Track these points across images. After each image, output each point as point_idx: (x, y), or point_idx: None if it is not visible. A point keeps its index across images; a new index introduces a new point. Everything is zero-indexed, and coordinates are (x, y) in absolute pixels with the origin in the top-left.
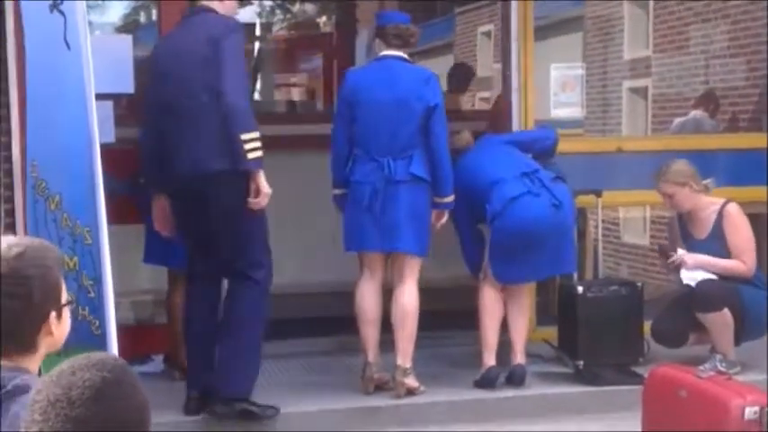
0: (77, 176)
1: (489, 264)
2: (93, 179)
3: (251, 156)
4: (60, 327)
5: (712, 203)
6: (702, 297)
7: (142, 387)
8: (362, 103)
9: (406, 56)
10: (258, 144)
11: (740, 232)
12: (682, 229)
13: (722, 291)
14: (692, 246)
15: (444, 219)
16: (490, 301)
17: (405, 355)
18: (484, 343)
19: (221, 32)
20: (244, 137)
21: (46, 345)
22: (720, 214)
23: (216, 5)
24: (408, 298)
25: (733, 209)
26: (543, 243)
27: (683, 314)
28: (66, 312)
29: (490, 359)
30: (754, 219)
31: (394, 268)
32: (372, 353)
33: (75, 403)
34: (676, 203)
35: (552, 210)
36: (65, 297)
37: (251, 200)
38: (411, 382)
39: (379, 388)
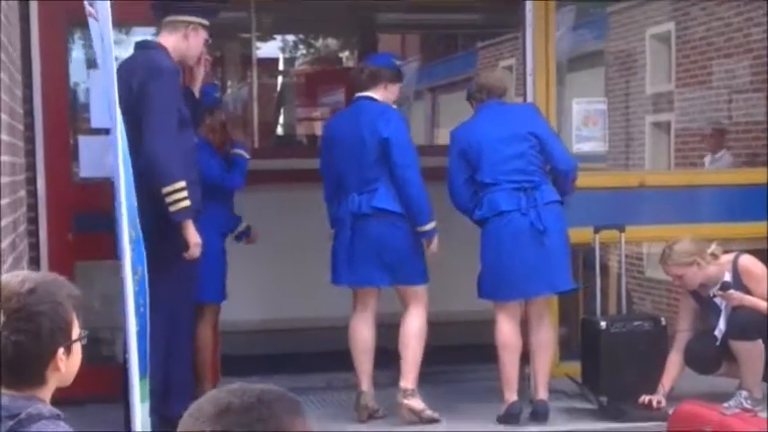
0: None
1: (480, 281)
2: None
3: (173, 208)
4: (69, 362)
5: (721, 266)
6: (738, 324)
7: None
8: (332, 143)
9: (374, 95)
10: (182, 195)
11: (764, 281)
12: (697, 298)
13: (759, 321)
14: (714, 307)
15: (433, 245)
16: (507, 336)
17: (407, 376)
18: (504, 379)
19: (148, 75)
20: (164, 190)
21: (55, 379)
22: (736, 271)
23: (164, 40)
24: (411, 321)
25: (747, 261)
26: (526, 262)
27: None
28: (77, 348)
29: (511, 395)
30: (755, 255)
31: (399, 299)
32: (366, 383)
33: None
34: (686, 282)
35: (536, 233)
36: (75, 333)
37: (185, 254)
38: (414, 403)
39: (372, 417)
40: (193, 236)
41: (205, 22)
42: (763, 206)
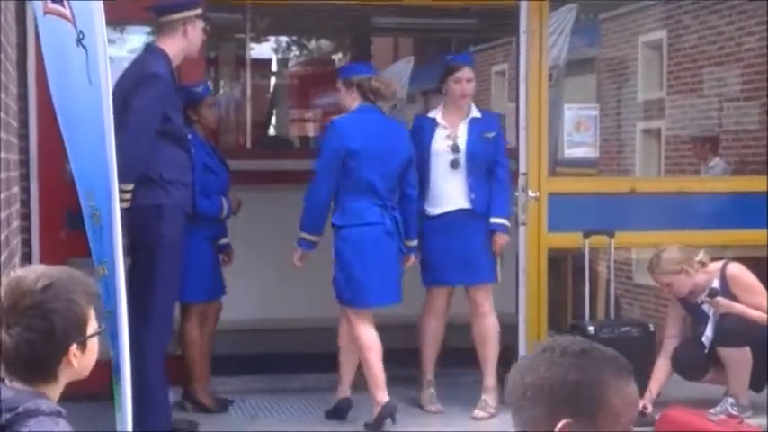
0: (99, 210)
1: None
2: (110, 215)
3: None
4: (84, 358)
5: (710, 274)
6: (725, 331)
7: None
8: None
9: None
10: (126, 196)
11: (752, 289)
12: (686, 305)
13: (747, 328)
14: (702, 314)
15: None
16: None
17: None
18: (374, 380)
19: (135, 79)
20: (120, 186)
21: (67, 375)
22: (724, 279)
23: (164, 44)
24: None
25: (735, 270)
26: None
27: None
28: (93, 343)
29: (383, 396)
30: (754, 262)
31: None
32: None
33: None
34: (675, 290)
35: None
36: (92, 328)
37: None
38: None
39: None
40: None
41: (198, 11)
42: (761, 214)
